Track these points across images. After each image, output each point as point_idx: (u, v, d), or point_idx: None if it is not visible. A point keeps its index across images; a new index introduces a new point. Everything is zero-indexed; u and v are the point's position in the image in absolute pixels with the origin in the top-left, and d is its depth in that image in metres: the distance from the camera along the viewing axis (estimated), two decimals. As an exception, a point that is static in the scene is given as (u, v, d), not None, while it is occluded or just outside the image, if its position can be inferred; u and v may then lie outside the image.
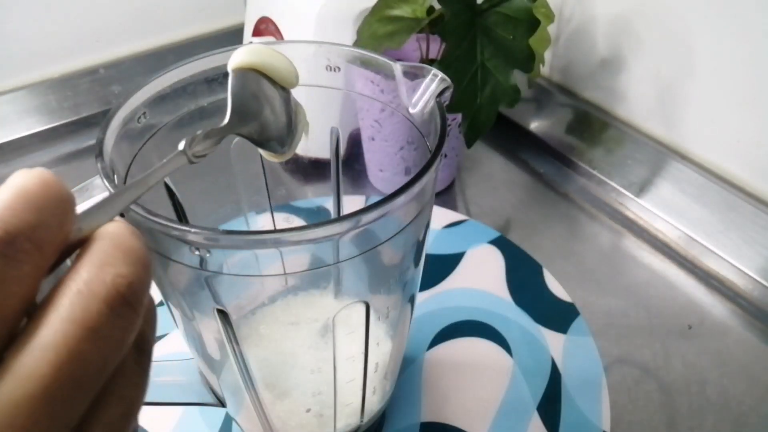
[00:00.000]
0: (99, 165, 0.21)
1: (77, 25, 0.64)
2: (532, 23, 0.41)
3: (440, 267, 0.46)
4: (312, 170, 0.47)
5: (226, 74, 0.28)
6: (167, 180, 0.28)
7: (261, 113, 0.24)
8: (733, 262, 0.46)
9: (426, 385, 0.38)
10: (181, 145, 0.20)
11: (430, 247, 0.48)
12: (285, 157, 0.27)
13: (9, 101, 0.62)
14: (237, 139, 0.32)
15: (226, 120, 0.23)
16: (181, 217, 0.29)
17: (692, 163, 0.49)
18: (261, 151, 0.27)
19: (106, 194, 0.21)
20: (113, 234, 0.15)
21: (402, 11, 0.45)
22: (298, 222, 0.46)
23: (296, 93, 0.31)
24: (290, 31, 0.53)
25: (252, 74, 0.24)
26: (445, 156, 0.53)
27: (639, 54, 0.51)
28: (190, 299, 0.25)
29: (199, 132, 0.21)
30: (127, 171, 0.24)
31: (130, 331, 0.14)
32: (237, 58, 0.24)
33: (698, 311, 0.44)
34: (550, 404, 0.37)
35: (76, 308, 0.13)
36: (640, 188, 0.52)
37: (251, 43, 0.28)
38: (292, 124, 0.26)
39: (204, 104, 0.28)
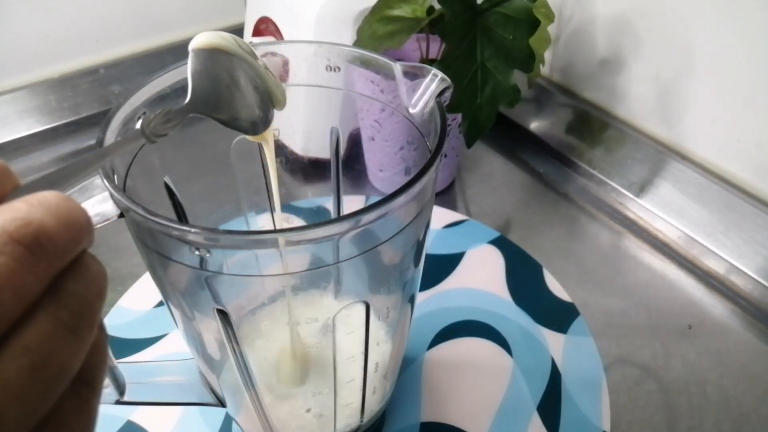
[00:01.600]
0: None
1: (77, 25, 0.64)
2: (532, 23, 0.41)
3: (440, 267, 0.46)
4: (312, 170, 0.47)
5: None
6: (167, 180, 0.28)
7: (226, 94, 0.24)
8: (733, 262, 0.46)
9: (426, 385, 0.38)
10: (139, 124, 0.20)
11: (430, 247, 0.48)
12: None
13: (9, 101, 0.62)
14: (237, 138, 0.32)
15: (187, 100, 0.22)
16: (181, 217, 0.29)
17: (692, 163, 0.49)
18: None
19: (106, 194, 0.21)
20: (29, 195, 0.14)
21: (402, 11, 0.45)
22: (298, 222, 0.46)
23: (297, 93, 0.31)
24: (290, 31, 0.53)
25: (217, 54, 0.24)
26: (445, 156, 0.53)
27: (639, 54, 0.51)
28: (190, 299, 0.25)
29: (158, 111, 0.21)
30: (127, 171, 0.24)
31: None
32: (201, 39, 0.24)
33: (698, 311, 0.44)
34: (550, 404, 0.37)
35: None
36: (640, 188, 0.52)
37: (251, 42, 0.28)
38: (264, 105, 0.26)
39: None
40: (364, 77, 0.32)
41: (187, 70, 0.23)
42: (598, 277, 0.47)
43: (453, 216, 0.51)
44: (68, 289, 0.14)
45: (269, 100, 0.26)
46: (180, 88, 0.27)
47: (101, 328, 0.16)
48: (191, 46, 0.23)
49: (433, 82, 0.26)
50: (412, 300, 0.30)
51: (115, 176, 0.22)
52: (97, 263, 0.16)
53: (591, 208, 0.54)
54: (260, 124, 0.26)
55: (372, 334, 0.27)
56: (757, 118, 0.45)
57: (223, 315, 0.24)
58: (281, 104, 0.27)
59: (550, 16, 0.49)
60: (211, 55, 0.23)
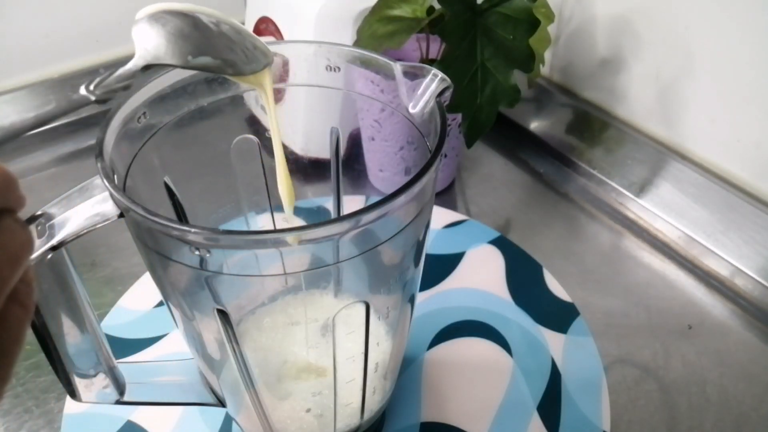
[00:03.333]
0: (99, 165, 0.21)
1: (77, 25, 0.64)
2: (532, 23, 0.41)
3: (440, 267, 0.46)
4: (312, 170, 0.47)
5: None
6: (167, 180, 0.28)
7: (181, 41, 0.22)
8: (733, 262, 0.46)
9: (426, 385, 0.38)
10: (82, 89, 0.19)
11: (430, 247, 0.48)
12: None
13: (9, 101, 0.62)
14: (237, 138, 0.32)
15: (131, 63, 0.21)
16: (181, 217, 0.29)
17: (692, 163, 0.49)
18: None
19: (106, 194, 0.21)
20: None
21: (402, 11, 0.45)
22: (298, 222, 0.46)
23: (297, 93, 0.31)
24: (290, 31, 0.53)
25: (165, 14, 0.23)
26: (445, 156, 0.53)
27: (639, 54, 0.51)
28: (190, 299, 0.25)
29: (103, 74, 0.20)
30: (127, 171, 0.24)
31: None
32: (145, 9, 0.23)
33: (698, 311, 0.44)
34: (550, 404, 0.37)
35: None
36: (640, 188, 0.52)
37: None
38: (244, 46, 0.24)
39: (204, 104, 0.28)
40: (364, 77, 0.32)
41: (132, 34, 0.22)
42: (598, 277, 0.47)
43: (453, 216, 0.51)
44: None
45: (248, 41, 0.25)
46: (180, 88, 0.27)
47: (19, 303, 0.15)
48: (137, 17, 0.23)
49: (433, 82, 0.26)
50: (412, 300, 0.30)
51: (115, 176, 0.22)
52: (20, 229, 0.14)
53: (591, 208, 0.54)
54: (241, 64, 0.24)
55: (372, 334, 0.27)
56: (757, 118, 0.45)
57: (223, 315, 0.24)
58: (265, 51, 0.25)
59: (550, 16, 0.49)
60: (158, 15, 0.23)
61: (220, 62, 0.23)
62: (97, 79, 0.20)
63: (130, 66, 0.21)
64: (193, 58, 0.22)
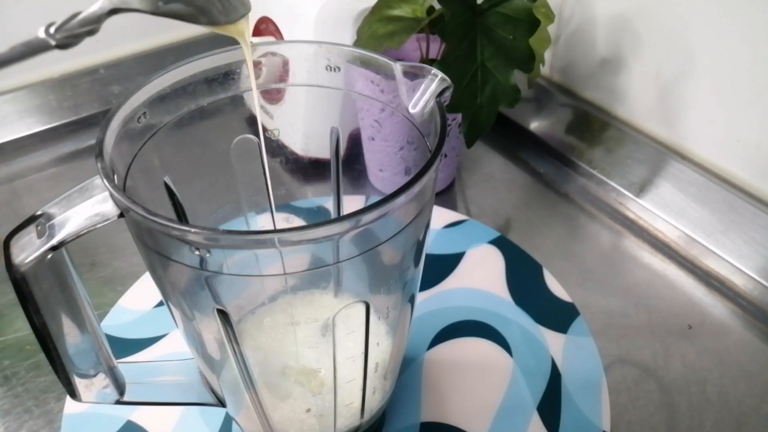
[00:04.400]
0: (99, 165, 0.21)
1: (77, 25, 0.64)
2: (532, 23, 0.41)
3: (440, 267, 0.46)
4: (312, 170, 0.47)
5: (226, 74, 0.29)
6: (167, 180, 0.28)
7: None
8: (733, 262, 0.46)
9: (426, 385, 0.38)
10: (41, 32, 0.18)
11: (430, 247, 0.48)
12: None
13: (9, 101, 0.62)
14: (237, 138, 0.32)
15: (96, 6, 0.20)
16: (181, 217, 0.29)
17: (692, 163, 0.49)
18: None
19: (106, 194, 0.21)
20: None
21: (402, 11, 0.45)
22: (298, 222, 0.46)
23: (297, 93, 0.31)
24: (290, 31, 0.53)
25: None
26: (445, 156, 0.53)
27: (639, 54, 0.51)
28: (190, 299, 0.25)
29: (67, 16, 0.19)
30: (127, 171, 0.24)
31: None
32: None
33: (698, 311, 0.44)
34: (550, 404, 0.37)
35: None
36: (640, 188, 0.52)
37: (251, 43, 0.27)
38: None
39: (204, 104, 0.28)
40: (364, 77, 0.32)
41: None
42: (598, 277, 0.47)
43: (453, 216, 0.51)
44: None
45: None
46: (180, 88, 0.27)
47: None
48: None
49: (433, 82, 0.26)
50: (412, 300, 0.30)
51: (115, 176, 0.22)
52: None
53: (591, 208, 0.54)
54: (217, 13, 0.23)
55: (372, 334, 0.27)
56: (757, 118, 0.45)
57: (223, 315, 0.24)
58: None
59: (550, 16, 0.49)
60: None
61: (192, 9, 0.22)
62: (58, 22, 0.18)
63: (95, 9, 0.20)
64: (165, 4, 0.21)
